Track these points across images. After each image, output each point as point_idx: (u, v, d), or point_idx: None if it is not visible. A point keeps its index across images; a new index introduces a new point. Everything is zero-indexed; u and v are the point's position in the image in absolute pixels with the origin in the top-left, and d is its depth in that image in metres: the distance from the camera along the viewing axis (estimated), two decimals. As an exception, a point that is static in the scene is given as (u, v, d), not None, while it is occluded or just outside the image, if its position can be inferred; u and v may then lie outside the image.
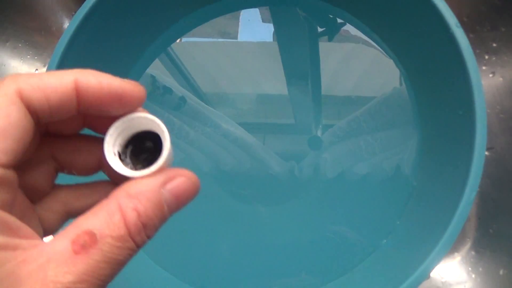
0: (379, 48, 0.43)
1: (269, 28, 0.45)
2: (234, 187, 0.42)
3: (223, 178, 0.42)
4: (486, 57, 0.47)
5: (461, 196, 0.32)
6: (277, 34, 0.45)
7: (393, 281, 0.34)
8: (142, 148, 0.20)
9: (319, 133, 0.42)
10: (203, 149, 0.42)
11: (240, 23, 0.45)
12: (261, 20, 0.45)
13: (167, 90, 0.43)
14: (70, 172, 0.21)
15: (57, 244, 0.16)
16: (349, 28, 0.44)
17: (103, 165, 0.21)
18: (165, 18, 0.44)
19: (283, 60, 0.44)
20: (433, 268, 0.32)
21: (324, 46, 0.44)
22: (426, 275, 0.32)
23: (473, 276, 0.45)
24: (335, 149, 0.41)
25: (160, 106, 0.42)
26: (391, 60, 0.43)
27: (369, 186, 0.41)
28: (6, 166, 0.16)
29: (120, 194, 0.17)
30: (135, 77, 0.44)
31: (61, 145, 0.20)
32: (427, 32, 0.36)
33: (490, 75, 0.47)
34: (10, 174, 0.16)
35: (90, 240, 0.16)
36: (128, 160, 0.19)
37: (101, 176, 0.22)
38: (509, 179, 0.46)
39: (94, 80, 0.17)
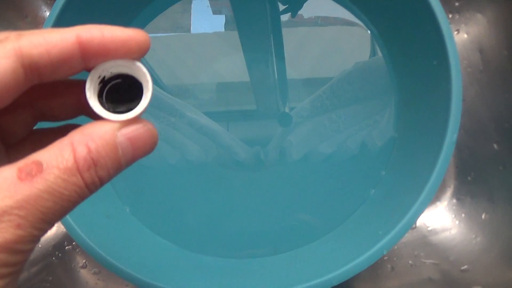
0: (353, 24, 0.45)
1: (221, 19, 0.46)
2: (201, 175, 0.43)
3: (190, 168, 0.43)
4: (450, 15, 0.50)
5: (443, 138, 0.34)
6: (236, 18, 0.46)
7: (384, 227, 0.36)
8: (123, 94, 0.19)
9: (287, 110, 0.44)
10: (168, 139, 0.43)
11: (192, 16, 0.46)
12: (212, 12, 0.46)
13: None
14: (49, 119, 0.21)
15: (4, 171, 0.16)
16: (319, 4, 0.45)
17: (83, 109, 0.21)
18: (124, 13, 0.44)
19: (243, 45, 0.45)
20: (421, 213, 0.35)
21: (294, 31, 0.45)
22: (418, 216, 0.35)
23: (457, 222, 0.48)
24: (312, 124, 0.43)
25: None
26: (366, 35, 0.44)
27: (352, 144, 0.43)
28: None
29: (74, 132, 0.17)
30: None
31: (40, 89, 0.20)
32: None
33: (455, 33, 0.50)
34: None
35: (36, 169, 0.16)
36: (108, 105, 0.19)
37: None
38: (481, 128, 0.49)
39: (97, 32, 0.17)
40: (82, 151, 0.17)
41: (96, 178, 0.17)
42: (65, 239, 0.48)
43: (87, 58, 0.18)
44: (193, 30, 0.45)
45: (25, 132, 0.21)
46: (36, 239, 0.17)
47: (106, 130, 0.17)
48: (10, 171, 0.16)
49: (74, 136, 0.17)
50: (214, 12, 0.46)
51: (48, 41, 0.17)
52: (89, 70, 0.19)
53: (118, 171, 0.18)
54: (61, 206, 0.16)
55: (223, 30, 0.45)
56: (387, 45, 0.43)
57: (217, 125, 0.44)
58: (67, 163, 0.16)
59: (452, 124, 0.34)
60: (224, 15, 0.46)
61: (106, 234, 0.38)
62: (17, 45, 0.16)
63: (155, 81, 0.44)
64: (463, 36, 0.50)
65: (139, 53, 0.18)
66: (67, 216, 0.35)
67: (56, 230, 0.48)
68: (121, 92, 0.19)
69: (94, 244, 0.35)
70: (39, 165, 0.16)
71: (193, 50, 0.45)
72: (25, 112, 0.20)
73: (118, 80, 0.19)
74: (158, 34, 0.45)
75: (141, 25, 0.45)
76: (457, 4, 0.49)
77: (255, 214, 0.42)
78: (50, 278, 0.46)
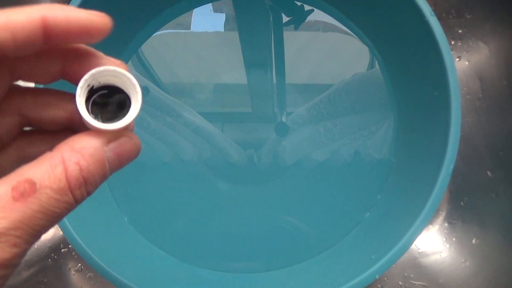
0: (353, 35, 0.45)
1: (221, 18, 0.46)
2: (194, 175, 0.43)
3: (183, 168, 0.44)
4: (453, 42, 0.51)
5: (440, 168, 0.35)
6: (239, 23, 0.46)
7: (380, 250, 0.37)
8: (112, 103, 0.19)
9: (283, 119, 0.44)
10: (164, 138, 0.43)
11: (193, 14, 0.46)
12: (212, 10, 0.46)
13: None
14: (35, 126, 0.21)
15: None
16: (320, 16, 0.46)
17: (72, 121, 0.21)
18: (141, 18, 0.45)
19: (243, 49, 0.45)
20: (417, 237, 0.35)
21: (294, 35, 0.46)
22: (410, 243, 0.35)
23: (448, 245, 0.48)
24: (307, 132, 0.44)
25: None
26: (365, 46, 0.45)
27: (349, 165, 0.43)
28: None
29: (64, 148, 0.17)
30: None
31: (29, 98, 0.20)
32: (402, 20, 0.39)
33: (457, 59, 0.50)
34: None
35: (30, 189, 0.16)
36: (97, 114, 0.19)
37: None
38: (476, 155, 0.49)
39: (62, 15, 0.17)
40: (74, 170, 0.17)
41: (85, 193, 0.18)
42: (61, 242, 0.48)
43: (49, 39, 0.17)
44: (193, 28, 0.46)
45: (10, 140, 0.21)
46: (27, 251, 0.17)
47: (95, 147, 0.18)
48: (3, 188, 0.16)
49: (65, 152, 0.17)
50: (215, 10, 0.46)
51: (14, 23, 0.16)
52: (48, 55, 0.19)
53: (103, 182, 0.19)
54: (52, 222, 0.17)
55: (223, 29, 0.46)
56: (390, 72, 0.44)
57: (212, 126, 0.44)
58: (60, 183, 0.17)
59: (449, 155, 0.35)
60: (224, 14, 0.46)
61: (104, 242, 0.39)
62: None
63: (153, 79, 0.44)
64: (464, 63, 0.51)
65: (99, 37, 0.18)
66: (68, 224, 0.36)
67: (53, 233, 0.48)
68: (111, 101, 0.19)
69: (92, 252, 0.36)
70: (32, 184, 0.16)
71: (193, 49, 0.46)
72: (14, 120, 0.20)
73: (105, 91, 0.19)
74: (158, 32, 0.46)
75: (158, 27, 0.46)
76: (460, 31, 0.50)
77: (248, 228, 0.43)
78: (45, 280, 0.47)
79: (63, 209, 0.17)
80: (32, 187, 0.16)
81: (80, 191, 0.17)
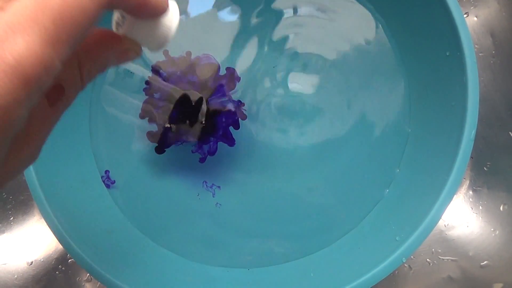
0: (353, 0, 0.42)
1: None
2: (203, 180, 0.41)
3: (189, 174, 0.41)
4: (459, -2, 0.47)
5: (461, 134, 0.32)
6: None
7: (404, 230, 0.34)
8: None
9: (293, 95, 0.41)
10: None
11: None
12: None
13: (127, 73, 0.41)
14: None
15: None
16: None
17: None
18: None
19: (242, 27, 0.42)
20: (443, 212, 0.33)
21: (299, 5, 0.43)
22: (437, 220, 0.33)
23: (475, 215, 0.46)
24: (312, 109, 0.41)
25: (122, 90, 0.41)
26: (367, 12, 0.42)
27: (363, 140, 0.40)
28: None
29: None
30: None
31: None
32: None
33: (464, 16, 0.47)
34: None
35: None
36: None
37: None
38: (495, 115, 0.46)
39: None
40: None
41: None
42: (67, 252, 0.46)
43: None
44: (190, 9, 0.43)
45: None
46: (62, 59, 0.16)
47: None
48: None
49: None
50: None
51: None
52: None
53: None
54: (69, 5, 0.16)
55: (217, 10, 0.42)
56: (395, 37, 0.41)
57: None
58: None
59: (469, 120, 0.32)
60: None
61: (109, 251, 0.37)
62: None
63: (154, 70, 0.42)
64: (472, 19, 0.47)
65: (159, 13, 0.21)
66: (67, 237, 0.33)
67: (57, 243, 0.46)
68: None
69: (97, 264, 0.34)
70: None
71: (192, 34, 0.43)
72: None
73: None
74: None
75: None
76: (465, -15, 0.47)
77: (261, 219, 0.40)
78: (55, 294, 0.45)
79: None
80: None
81: None
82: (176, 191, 0.40)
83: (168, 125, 0.39)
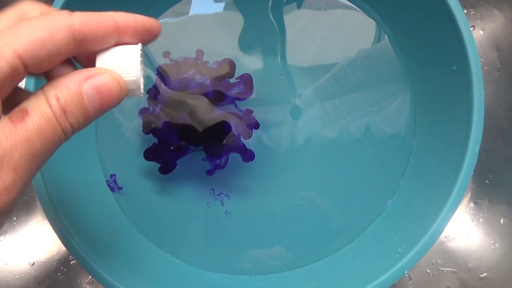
0: (357, 9, 0.42)
1: (220, 3, 0.43)
2: (207, 186, 0.41)
3: (194, 179, 0.42)
4: (465, 11, 0.48)
5: (465, 149, 0.33)
6: (238, 5, 0.43)
7: (406, 241, 0.34)
8: None
9: (297, 102, 0.41)
10: None
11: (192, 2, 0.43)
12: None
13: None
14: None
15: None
16: None
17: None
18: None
19: (244, 32, 0.42)
20: (446, 225, 0.33)
21: (296, 14, 0.43)
22: (439, 233, 0.33)
23: (475, 227, 0.46)
24: (316, 114, 0.41)
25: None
26: (370, 20, 0.42)
27: (367, 149, 0.41)
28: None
29: (45, 85, 0.20)
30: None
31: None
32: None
33: (471, 29, 0.47)
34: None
35: (23, 114, 0.19)
36: None
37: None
38: (498, 129, 0.47)
39: (131, 19, 0.22)
40: (52, 100, 0.19)
41: (68, 124, 0.20)
42: (69, 254, 0.46)
43: (120, 37, 0.22)
44: (192, 12, 0.43)
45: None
46: (23, 187, 0.20)
47: (71, 81, 0.20)
48: (3, 119, 0.19)
49: (45, 87, 0.20)
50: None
51: (96, 23, 0.21)
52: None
53: (87, 120, 0.21)
54: (45, 148, 0.19)
55: (222, 11, 0.43)
56: (401, 48, 0.41)
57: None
58: (46, 109, 0.19)
59: (474, 135, 0.33)
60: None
61: (113, 255, 0.37)
62: (71, 21, 0.20)
63: (153, 66, 0.42)
64: (478, 32, 0.48)
65: (153, 38, 0.24)
66: (72, 241, 0.34)
67: (60, 244, 0.46)
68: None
69: (101, 268, 0.34)
70: (25, 111, 0.19)
71: (193, 34, 0.43)
72: None
73: None
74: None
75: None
76: (472, -1, 0.47)
77: (265, 225, 0.41)
78: (56, 296, 0.45)
79: (53, 135, 0.19)
80: (25, 112, 0.19)
81: (63, 119, 0.19)
82: (183, 198, 0.41)
83: (172, 147, 0.40)
